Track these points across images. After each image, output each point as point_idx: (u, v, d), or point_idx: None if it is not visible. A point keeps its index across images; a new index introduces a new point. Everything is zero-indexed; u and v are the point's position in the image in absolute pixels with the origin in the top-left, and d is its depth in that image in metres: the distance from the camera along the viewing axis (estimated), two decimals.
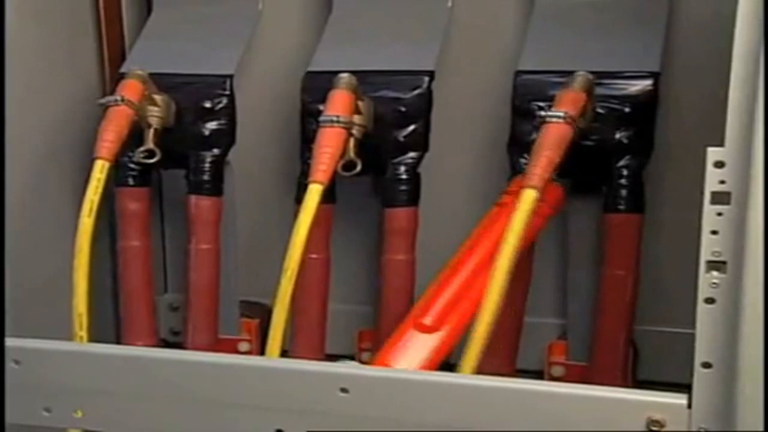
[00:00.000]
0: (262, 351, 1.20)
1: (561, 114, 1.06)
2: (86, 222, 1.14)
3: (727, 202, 0.79)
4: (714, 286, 0.79)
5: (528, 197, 1.02)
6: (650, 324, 1.27)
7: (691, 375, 0.82)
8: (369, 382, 0.87)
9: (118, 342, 1.33)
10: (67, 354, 0.95)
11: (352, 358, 1.35)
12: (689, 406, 0.81)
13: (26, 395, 0.94)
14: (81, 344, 1.08)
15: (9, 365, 0.93)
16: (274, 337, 1.09)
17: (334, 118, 1.15)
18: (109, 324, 1.37)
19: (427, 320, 1.07)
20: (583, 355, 1.24)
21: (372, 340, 1.31)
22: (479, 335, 0.98)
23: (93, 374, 0.94)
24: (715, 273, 0.79)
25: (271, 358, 1.04)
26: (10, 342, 0.94)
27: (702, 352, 0.80)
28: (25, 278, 1.19)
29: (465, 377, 0.90)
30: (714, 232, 0.79)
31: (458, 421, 0.86)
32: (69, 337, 1.13)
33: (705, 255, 0.79)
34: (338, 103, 1.16)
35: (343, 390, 0.87)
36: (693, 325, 1.20)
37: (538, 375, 1.27)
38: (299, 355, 1.26)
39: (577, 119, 1.08)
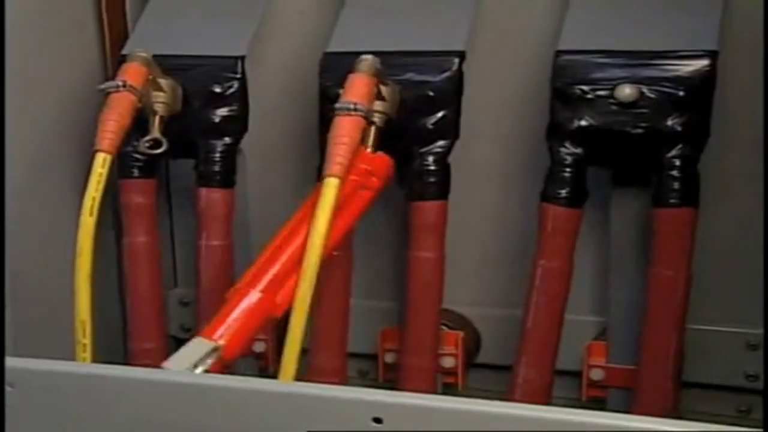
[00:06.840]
0: (278, 350, 1.13)
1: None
2: (88, 221, 1.08)
3: None
4: None
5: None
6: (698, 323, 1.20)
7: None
8: (403, 410, 0.79)
9: (124, 342, 1.29)
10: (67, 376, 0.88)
11: (375, 357, 1.30)
12: None
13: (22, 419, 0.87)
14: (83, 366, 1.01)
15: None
16: (291, 347, 1.02)
17: (351, 106, 1.06)
18: (116, 324, 1.33)
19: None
20: (624, 357, 1.18)
21: (396, 340, 1.26)
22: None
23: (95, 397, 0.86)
24: None
25: (296, 384, 0.96)
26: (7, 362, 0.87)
27: None
28: (23, 280, 1.15)
29: (508, 406, 0.81)
30: None
31: None
32: (71, 344, 1.08)
33: None
34: (357, 89, 1.08)
35: (377, 420, 0.79)
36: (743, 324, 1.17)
37: (577, 376, 1.23)
38: (319, 354, 1.22)
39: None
